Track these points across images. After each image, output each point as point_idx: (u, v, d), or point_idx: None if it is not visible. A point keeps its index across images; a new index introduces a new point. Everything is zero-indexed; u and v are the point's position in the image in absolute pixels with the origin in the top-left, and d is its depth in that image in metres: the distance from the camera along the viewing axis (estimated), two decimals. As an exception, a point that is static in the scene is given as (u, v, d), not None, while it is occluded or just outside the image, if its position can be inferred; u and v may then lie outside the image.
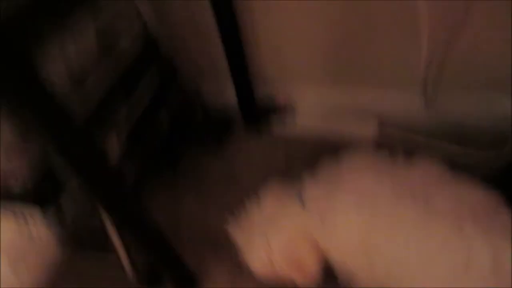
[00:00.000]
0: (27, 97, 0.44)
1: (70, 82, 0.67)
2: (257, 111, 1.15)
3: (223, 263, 0.89)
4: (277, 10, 0.97)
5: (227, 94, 1.14)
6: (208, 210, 1.01)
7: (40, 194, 0.64)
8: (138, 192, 0.74)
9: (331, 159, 0.77)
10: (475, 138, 0.99)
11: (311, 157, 0.83)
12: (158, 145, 1.00)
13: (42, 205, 0.64)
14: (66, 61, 0.66)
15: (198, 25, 1.05)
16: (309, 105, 1.14)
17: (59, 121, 0.49)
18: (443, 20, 0.82)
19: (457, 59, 0.91)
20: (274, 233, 0.73)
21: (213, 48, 1.04)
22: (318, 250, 0.71)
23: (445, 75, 0.95)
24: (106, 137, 0.76)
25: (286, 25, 1.00)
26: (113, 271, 0.85)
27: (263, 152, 1.11)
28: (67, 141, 0.50)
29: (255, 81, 1.12)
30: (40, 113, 0.46)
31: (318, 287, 0.75)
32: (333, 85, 1.09)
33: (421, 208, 0.61)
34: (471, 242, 0.56)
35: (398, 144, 1.03)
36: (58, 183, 0.67)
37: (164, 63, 0.99)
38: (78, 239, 0.75)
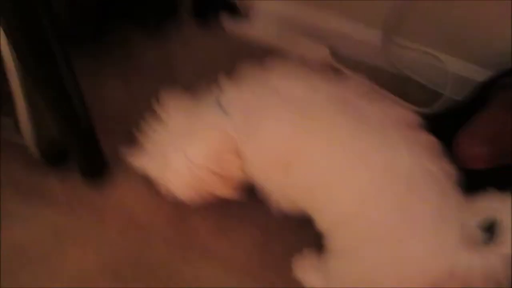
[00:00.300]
0: None
1: None
2: (210, 3, 1.03)
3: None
4: None
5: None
6: (132, 97, 0.90)
7: None
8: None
9: (260, 64, 0.69)
10: (413, 92, 1.01)
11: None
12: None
13: None
14: None
15: None
16: (267, 14, 1.04)
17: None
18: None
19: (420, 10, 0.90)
20: (192, 144, 0.66)
21: None
22: (241, 159, 0.67)
23: (404, 23, 0.94)
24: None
25: None
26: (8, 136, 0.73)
27: (205, 47, 1.00)
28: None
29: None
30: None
31: (243, 200, 0.72)
32: (296, 2, 1.01)
33: (352, 117, 0.60)
34: (394, 146, 0.57)
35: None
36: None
37: None
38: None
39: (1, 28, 0.52)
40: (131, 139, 0.76)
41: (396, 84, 1.02)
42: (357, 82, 0.68)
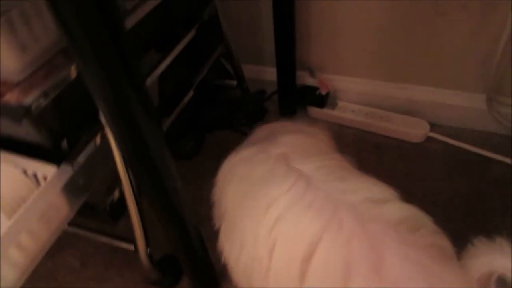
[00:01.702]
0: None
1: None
2: (296, 101, 1.06)
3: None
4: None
5: (267, 79, 1.05)
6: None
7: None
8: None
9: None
10: None
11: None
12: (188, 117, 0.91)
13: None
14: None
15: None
16: (353, 97, 1.04)
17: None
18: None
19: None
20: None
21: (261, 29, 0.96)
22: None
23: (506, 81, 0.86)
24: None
25: (339, 16, 0.92)
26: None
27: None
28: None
29: (300, 69, 1.03)
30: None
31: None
32: (382, 81, 1.01)
33: None
34: None
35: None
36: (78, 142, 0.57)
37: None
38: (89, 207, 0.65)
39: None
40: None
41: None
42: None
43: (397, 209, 0.48)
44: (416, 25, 0.88)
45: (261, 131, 0.66)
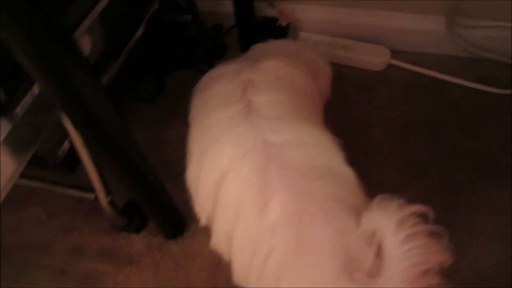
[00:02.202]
0: None
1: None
2: (256, 34, 1.01)
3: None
4: None
5: (226, 11, 0.99)
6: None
7: None
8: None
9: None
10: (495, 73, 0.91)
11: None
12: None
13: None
14: None
15: None
16: (316, 25, 1.00)
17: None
18: None
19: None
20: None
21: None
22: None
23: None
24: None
25: None
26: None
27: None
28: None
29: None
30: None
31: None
32: (343, 8, 0.97)
33: None
34: None
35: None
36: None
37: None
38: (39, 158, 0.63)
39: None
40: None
41: (474, 69, 0.92)
42: None
43: (310, 155, 0.48)
44: None
45: (257, 49, 0.69)
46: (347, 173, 0.49)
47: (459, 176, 0.79)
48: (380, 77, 0.95)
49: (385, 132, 0.86)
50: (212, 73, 0.62)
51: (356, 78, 0.96)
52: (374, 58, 0.96)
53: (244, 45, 1.03)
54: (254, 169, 0.46)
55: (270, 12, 1.00)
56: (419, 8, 0.92)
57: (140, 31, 0.79)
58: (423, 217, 0.42)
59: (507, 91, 0.87)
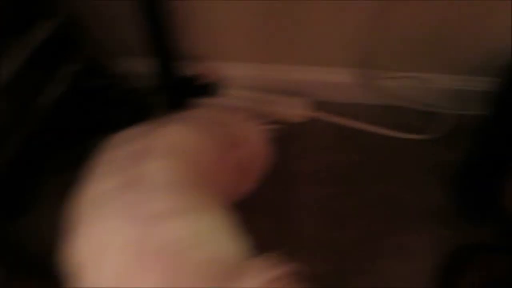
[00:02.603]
0: None
1: None
2: (181, 91, 1.03)
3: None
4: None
5: (148, 73, 1.01)
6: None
7: None
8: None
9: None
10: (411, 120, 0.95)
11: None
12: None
13: None
14: None
15: None
16: (238, 82, 1.03)
17: None
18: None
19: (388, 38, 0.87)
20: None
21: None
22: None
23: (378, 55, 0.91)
24: None
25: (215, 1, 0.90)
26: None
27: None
28: None
29: (180, 59, 1.00)
30: None
31: None
32: (265, 63, 1.01)
33: None
34: None
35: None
36: None
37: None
38: None
39: None
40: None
41: (391, 117, 0.96)
42: None
43: (188, 226, 0.48)
44: (288, 6, 0.87)
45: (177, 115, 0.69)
46: (227, 243, 0.48)
47: (377, 224, 0.79)
48: (302, 129, 0.98)
49: (307, 185, 0.87)
50: (112, 139, 0.61)
51: (280, 131, 0.98)
52: (296, 111, 0.99)
53: (171, 106, 1.04)
54: (129, 242, 0.45)
55: (195, 71, 1.03)
56: (335, 61, 0.97)
57: (54, 96, 0.79)
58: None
59: (420, 136, 0.91)
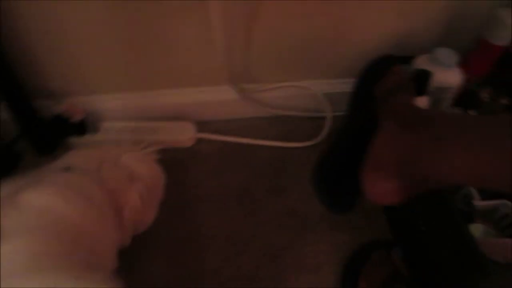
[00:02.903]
0: None
1: None
2: (49, 133, 0.92)
3: None
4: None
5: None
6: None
7: None
8: None
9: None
10: (299, 128, 0.96)
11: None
12: None
13: None
14: None
15: None
16: (114, 115, 0.95)
17: None
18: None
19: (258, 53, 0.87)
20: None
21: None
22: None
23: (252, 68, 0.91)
24: None
25: (71, 33, 0.80)
26: None
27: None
28: None
29: (39, 98, 0.89)
30: None
31: None
32: (139, 91, 0.94)
33: None
34: None
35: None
36: None
37: None
38: None
39: None
40: None
41: (275, 127, 0.97)
42: None
43: None
44: (146, 31, 0.82)
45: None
46: None
47: (278, 240, 0.79)
48: (190, 153, 0.94)
49: (205, 211, 0.83)
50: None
51: (168, 159, 0.93)
52: (181, 136, 0.95)
53: (41, 150, 0.92)
54: None
55: (60, 110, 0.92)
56: (208, 81, 0.94)
57: None
58: None
59: (305, 143, 0.93)
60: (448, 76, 0.77)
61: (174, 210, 0.82)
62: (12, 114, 0.85)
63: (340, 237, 0.78)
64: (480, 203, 0.71)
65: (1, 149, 0.89)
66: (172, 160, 0.92)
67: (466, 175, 0.40)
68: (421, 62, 0.78)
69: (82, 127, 0.93)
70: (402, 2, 0.82)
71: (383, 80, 0.61)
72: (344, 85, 0.94)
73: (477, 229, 0.72)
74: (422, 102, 0.65)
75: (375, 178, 0.51)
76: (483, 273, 0.47)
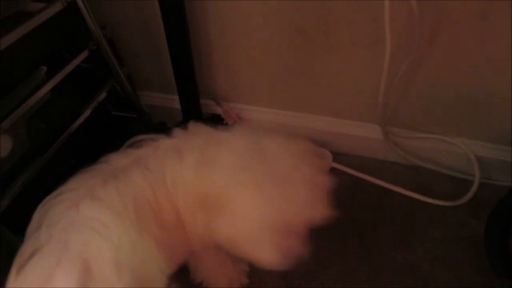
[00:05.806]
0: None
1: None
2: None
3: None
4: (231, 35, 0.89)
5: (173, 108, 1.02)
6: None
7: None
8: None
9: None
10: (437, 183, 0.92)
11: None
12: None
13: None
14: None
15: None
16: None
17: None
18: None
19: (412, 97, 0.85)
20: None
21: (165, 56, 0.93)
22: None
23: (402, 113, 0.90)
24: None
25: (239, 46, 0.91)
26: None
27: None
28: None
29: (203, 99, 1.01)
30: None
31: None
32: (286, 111, 1.00)
33: None
34: None
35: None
36: None
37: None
38: None
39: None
40: None
41: (411, 177, 0.94)
42: None
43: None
44: (311, 58, 0.88)
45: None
46: None
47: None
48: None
49: (320, 240, 0.84)
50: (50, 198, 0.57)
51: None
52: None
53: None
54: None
55: (218, 111, 1.03)
56: (358, 115, 0.95)
57: (80, 122, 0.80)
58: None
59: (441, 202, 0.88)
60: None
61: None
62: (181, 106, 0.98)
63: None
64: None
65: (165, 132, 1.02)
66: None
67: None
68: None
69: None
70: None
71: None
72: (501, 152, 0.88)
73: None
74: None
75: None
76: None
